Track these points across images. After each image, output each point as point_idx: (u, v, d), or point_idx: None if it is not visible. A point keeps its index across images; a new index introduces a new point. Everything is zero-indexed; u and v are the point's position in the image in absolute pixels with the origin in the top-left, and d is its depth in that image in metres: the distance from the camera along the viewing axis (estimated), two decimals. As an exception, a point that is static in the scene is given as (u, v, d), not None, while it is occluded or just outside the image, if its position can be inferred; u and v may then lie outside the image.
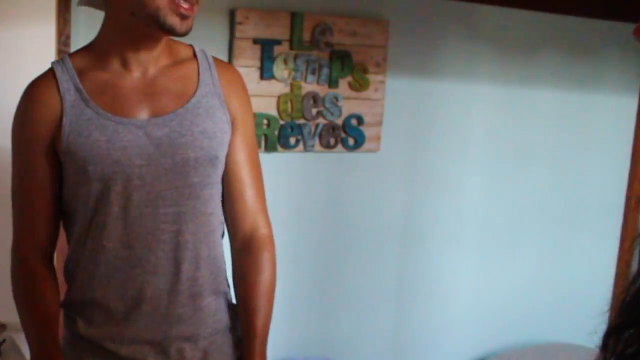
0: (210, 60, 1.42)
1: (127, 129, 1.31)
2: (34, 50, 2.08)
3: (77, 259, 1.39)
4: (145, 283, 1.34)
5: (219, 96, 1.39)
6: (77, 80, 1.33)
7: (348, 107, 2.61)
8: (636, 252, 0.80)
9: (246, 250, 1.43)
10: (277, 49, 2.45)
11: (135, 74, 1.34)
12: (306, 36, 2.50)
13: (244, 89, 1.46)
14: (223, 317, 1.44)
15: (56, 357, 1.34)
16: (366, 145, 2.67)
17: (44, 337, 1.36)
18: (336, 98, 2.58)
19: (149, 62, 1.34)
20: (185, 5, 1.26)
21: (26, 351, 1.88)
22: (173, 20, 1.26)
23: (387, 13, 2.65)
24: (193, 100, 1.35)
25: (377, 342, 2.88)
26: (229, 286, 1.47)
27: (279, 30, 2.45)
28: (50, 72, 1.35)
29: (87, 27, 2.16)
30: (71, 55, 1.39)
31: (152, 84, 1.35)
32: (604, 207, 3.30)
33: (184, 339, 1.37)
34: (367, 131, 2.66)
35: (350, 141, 2.64)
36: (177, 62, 1.39)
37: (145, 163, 1.31)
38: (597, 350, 0.80)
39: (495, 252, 3.06)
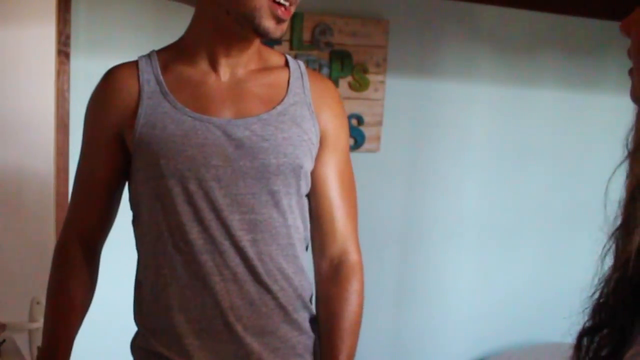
0: (304, 70, 1.35)
1: (205, 127, 1.23)
2: (34, 50, 2.08)
3: (146, 264, 1.31)
4: (224, 291, 1.24)
5: (309, 106, 1.31)
6: (160, 72, 1.28)
7: (348, 107, 2.61)
8: (609, 249, 0.81)
9: (333, 277, 1.35)
10: (277, 49, 2.45)
11: (222, 74, 1.28)
12: (306, 36, 2.50)
13: (338, 103, 1.37)
14: (309, 337, 1.35)
15: (61, 358, 1.29)
16: (366, 145, 2.67)
17: (57, 332, 1.30)
18: (336, 98, 2.58)
19: (238, 65, 1.29)
20: (283, 8, 1.21)
21: (26, 351, 1.88)
22: (268, 24, 1.21)
23: (387, 13, 2.65)
24: (279, 107, 1.28)
25: (377, 342, 2.88)
26: (311, 303, 1.39)
27: (279, 30, 2.45)
28: (134, 62, 1.31)
29: (87, 27, 2.17)
30: (158, 50, 1.33)
31: (238, 87, 1.28)
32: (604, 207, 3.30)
33: (268, 351, 1.28)
34: (367, 131, 2.66)
35: (350, 141, 2.64)
36: (267, 69, 1.32)
37: (223, 164, 1.23)
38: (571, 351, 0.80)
39: (495, 252, 3.06)
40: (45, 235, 2.03)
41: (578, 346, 0.78)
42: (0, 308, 1.95)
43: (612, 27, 3.10)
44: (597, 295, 0.78)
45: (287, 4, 1.21)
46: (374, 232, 2.78)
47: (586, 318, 0.79)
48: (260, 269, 1.26)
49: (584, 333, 0.78)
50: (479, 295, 3.06)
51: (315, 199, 1.34)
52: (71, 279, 1.33)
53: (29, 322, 1.90)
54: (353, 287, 1.36)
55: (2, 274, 2.03)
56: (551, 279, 3.21)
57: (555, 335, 3.22)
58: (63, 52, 2.09)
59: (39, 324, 1.82)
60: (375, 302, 2.90)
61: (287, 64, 1.36)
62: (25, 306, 1.91)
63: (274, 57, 1.36)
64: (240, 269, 1.25)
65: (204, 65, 1.28)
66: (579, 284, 3.30)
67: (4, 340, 1.83)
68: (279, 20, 1.22)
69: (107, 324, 1.93)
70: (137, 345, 1.37)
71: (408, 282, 2.90)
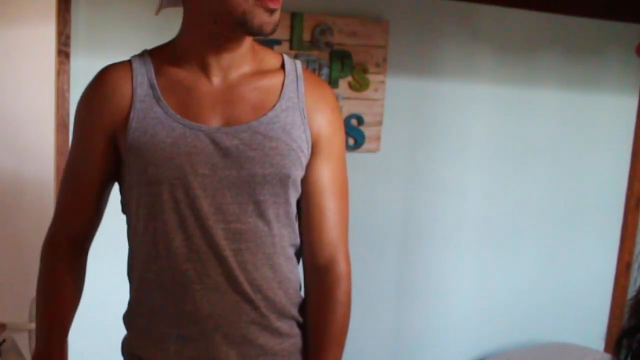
0: (300, 72, 1.33)
1: (194, 134, 1.23)
2: (34, 50, 2.08)
3: (133, 265, 1.33)
4: (205, 300, 1.25)
5: (301, 112, 1.29)
6: (153, 75, 1.27)
7: (348, 107, 2.61)
8: None
9: (319, 286, 1.34)
10: (277, 49, 2.45)
11: (215, 78, 1.27)
12: (306, 36, 2.50)
13: (333, 108, 1.34)
14: (295, 342, 1.35)
15: (57, 357, 1.31)
16: (366, 145, 2.67)
17: (51, 331, 1.31)
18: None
19: (231, 68, 1.27)
20: None
21: (26, 351, 1.88)
22: (262, 19, 1.18)
23: (387, 13, 2.65)
24: (270, 114, 1.26)
25: (377, 342, 2.88)
26: (302, 310, 1.38)
27: (279, 30, 2.45)
28: (127, 62, 1.29)
29: (87, 27, 2.16)
30: (150, 50, 1.32)
31: (230, 92, 1.27)
32: (604, 207, 3.30)
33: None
34: (367, 131, 2.66)
35: (350, 141, 2.64)
36: (262, 72, 1.30)
37: (209, 173, 1.23)
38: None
39: (495, 252, 3.06)
40: (45, 235, 2.02)
41: (617, 347, 0.79)
42: (0, 308, 1.95)
43: (612, 27, 3.11)
44: (637, 296, 0.78)
45: None
46: (374, 232, 2.78)
47: (626, 319, 0.79)
48: (242, 278, 1.26)
49: (624, 334, 0.79)
50: (479, 296, 3.06)
51: (305, 207, 1.33)
52: (62, 279, 1.33)
53: (29, 322, 1.91)
54: (338, 297, 1.34)
55: (2, 274, 2.03)
56: (551, 279, 3.21)
57: (555, 335, 3.22)
58: (63, 52, 2.09)
59: (39, 324, 1.82)
60: (375, 302, 2.90)
61: (283, 65, 1.33)
62: (25, 306, 1.92)
63: (270, 59, 1.34)
64: (222, 279, 1.25)
65: (196, 70, 1.27)
66: (579, 284, 3.32)
67: (4, 340, 1.83)
68: (271, 12, 1.19)
69: (105, 324, 1.93)
70: (124, 345, 1.39)
71: (408, 282, 2.90)
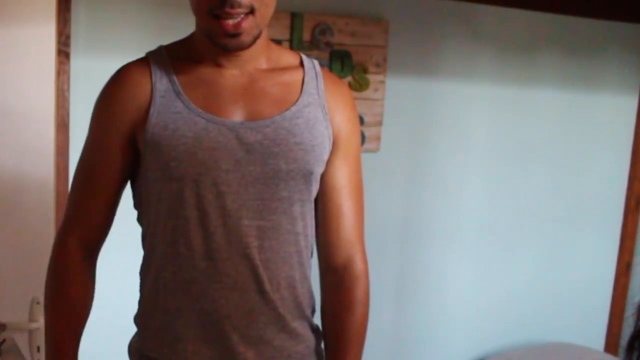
0: (318, 70, 1.32)
1: (217, 129, 1.20)
2: (34, 50, 2.08)
3: (148, 263, 1.30)
4: (223, 299, 1.23)
5: (322, 108, 1.28)
6: (172, 70, 1.25)
7: (348, 107, 2.61)
8: None
9: (338, 285, 1.34)
10: (277, 49, 2.45)
11: (232, 71, 1.25)
12: (306, 36, 2.50)
13: (352, 106, 1.34)
14: (309, 344, 1.34)
15: None
16: (366, 145, 2.67)
17: (62, 338, 1.27)
18: (336, 98, 2.58)
19: (245, 62, 1.26)
20: (230, 22, 1.17)
21: (26, 351, 1.88)
22: (224, 41, 1.19)
23: (387, 13, 2.65)
24: (293, 108, 1.25)
25: (377, 342, 2.88)
26: (314, 311, 1.37)
27: (279, 30, 2.45)
28: (144, 60, 1.28)
29: (87, 27, 2.17)
30: (166, 46, 1.31)
31: (251, 87, 1.25)
32: (604, 207, 3.30)
33: None
34: (367, 131, 2.66)
35: (350, 141, 2.64)
36: (280, 69, 1.30)
37: (233, 169, 1.20)
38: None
39: (495, 252, 3.06)
40: (45, 235, 2.03)
41: (630, 349, 0.79)
42: (0, 308, 1.95)
43: (612, 27, 3.11)
44: None
45: (232, 17, 1.17)
46: (374, 232, 2.78)
47: (635, 320, 0.79)
48: (264, 277, 1.24)
49: (636, 336, 0.79)
50: (479, 295, 3.06)
51: (322, 205, 1.32)
52: (73, 283, 1.28)
53: (29, 322, 1.90)
54: (357, 297, 1.34)
55: (2, 274, 2.03)
56: (551, 279, 3.21)
57: (555, 335, 3.22)
58: (63, 52, 2.09)
59: (39, 324, 1.82)
60: (375, 302, 2.88)
61: (301, 63, 1.33)
62: (25, 306, 1.91)
63: (288, 57, 1.33)
64: (243, 277, 1.23)
65: (210, 64, 1.26)
66: (579, 284, 3.32)
67: (4, 340, 1.82)
68: (232, 36, 1.18)
69: (107, 324, 1.93)
70: (132, 345, 1.36)
71: (408, 282, 2.90)
